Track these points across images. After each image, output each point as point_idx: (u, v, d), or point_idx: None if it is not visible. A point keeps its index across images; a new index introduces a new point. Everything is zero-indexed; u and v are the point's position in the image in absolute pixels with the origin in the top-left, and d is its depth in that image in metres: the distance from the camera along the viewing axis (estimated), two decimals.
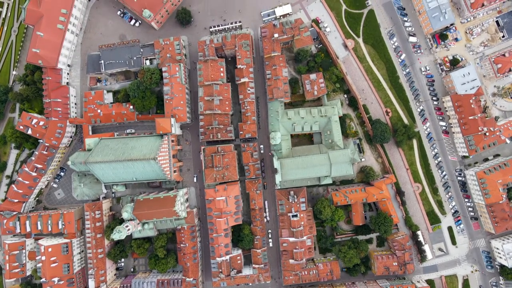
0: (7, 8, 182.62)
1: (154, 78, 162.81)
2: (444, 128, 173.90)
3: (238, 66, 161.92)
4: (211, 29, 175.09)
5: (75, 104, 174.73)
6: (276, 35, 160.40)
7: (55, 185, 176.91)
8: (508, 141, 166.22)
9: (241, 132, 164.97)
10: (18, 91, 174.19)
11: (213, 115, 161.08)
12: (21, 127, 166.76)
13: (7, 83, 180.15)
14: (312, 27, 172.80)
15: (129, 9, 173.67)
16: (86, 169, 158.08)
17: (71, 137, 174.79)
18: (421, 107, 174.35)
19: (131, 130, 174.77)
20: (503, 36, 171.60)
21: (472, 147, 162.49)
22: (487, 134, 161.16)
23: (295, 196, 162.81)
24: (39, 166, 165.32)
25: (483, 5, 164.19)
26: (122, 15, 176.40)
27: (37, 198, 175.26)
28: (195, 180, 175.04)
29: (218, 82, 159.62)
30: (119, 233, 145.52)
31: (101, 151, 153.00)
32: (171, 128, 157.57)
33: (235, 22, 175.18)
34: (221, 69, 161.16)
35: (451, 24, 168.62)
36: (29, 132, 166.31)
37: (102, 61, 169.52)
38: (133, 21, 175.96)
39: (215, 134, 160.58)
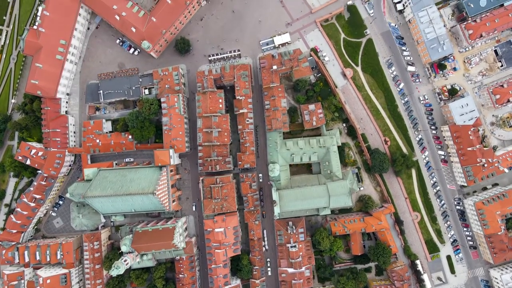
0: (6, 35, 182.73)
1: (153, 109, 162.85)
2: (442, 157, 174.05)
3: (237, 97, 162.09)
4: (209, 58, 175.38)
5: (74, 132, 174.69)
6: (274, 67, 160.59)
7: (53, 214, 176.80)
8: (506, 170, 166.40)
9: (239, 163, 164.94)
10: (17, 120, 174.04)
11: (212, 147, 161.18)
12: (20, 157, 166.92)
13: (6, 111, 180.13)
14: (310, 56, 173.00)
15: (128, 37, 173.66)
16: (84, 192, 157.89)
17: (70, 166, 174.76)
18: (419, 136, 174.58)
19: (130, 159, 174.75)
20: (502, 66, 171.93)
21: (470, 178, 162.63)
22: (486, 165, 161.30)
23: (294, 227, 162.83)
24: (37, 196, 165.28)
25: (481, 36, 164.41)
26: (121, 43, 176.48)
27: (35, 227, 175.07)
28: (193, 208, 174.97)
29: (217, 114, 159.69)
30: (117, 269, 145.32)
31: (99, 184, 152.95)
32: (170, 160, 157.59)
33: (234, 51, 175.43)
34: (220, 100, 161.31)
35: (450, 54, 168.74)
36: (28, 162, 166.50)
37: (101, 91, 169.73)
38: (132, 50, 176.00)
39: (214, 166, 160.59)
